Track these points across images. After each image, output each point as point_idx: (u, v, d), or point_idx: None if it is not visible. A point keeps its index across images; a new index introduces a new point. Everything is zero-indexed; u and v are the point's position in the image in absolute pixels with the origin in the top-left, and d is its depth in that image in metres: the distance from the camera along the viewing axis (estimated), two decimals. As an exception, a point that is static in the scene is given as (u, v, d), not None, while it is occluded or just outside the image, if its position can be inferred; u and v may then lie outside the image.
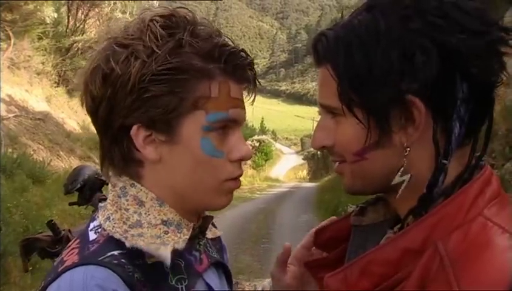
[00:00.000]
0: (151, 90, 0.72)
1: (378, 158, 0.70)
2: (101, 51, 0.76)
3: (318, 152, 29.78)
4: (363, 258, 0.67)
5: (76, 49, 15.29)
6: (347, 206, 0.92)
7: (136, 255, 0.73)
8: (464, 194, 0.65)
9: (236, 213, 11.44)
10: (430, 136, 0.66)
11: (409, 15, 0.65)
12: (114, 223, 0.75)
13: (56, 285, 0.69)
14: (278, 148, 59.42)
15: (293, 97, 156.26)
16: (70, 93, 14.84)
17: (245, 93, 0.82)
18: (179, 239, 0.76)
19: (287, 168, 47.01)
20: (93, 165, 2.52)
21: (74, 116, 13.98)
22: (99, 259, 0.70)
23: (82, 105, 0.79)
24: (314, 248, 0.93)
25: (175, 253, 0.74)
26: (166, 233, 0.76)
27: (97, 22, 15.86)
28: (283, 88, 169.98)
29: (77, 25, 15.48)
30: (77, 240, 0.77)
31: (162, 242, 0.74)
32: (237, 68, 0.77)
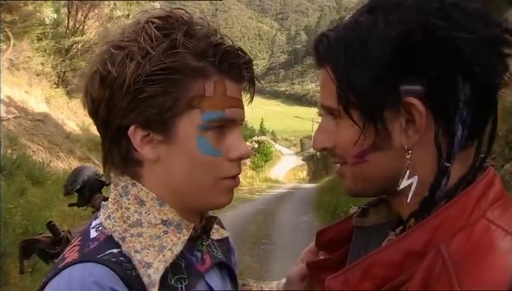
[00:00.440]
0: (146, 91, 0.73)
1: (379, 160, 0.70)
2: (99, 55, 0.77)
3: (318, 153, 29.83)
4: (365, 260, 0.66)
5: (75, 50, 15.29)
6: (350, 207, 0.92)
7: None
8: (467, 197, 0.64)
9: (235, 213, 11.44)
10: (432, 138, 0.65)
11: (411, 16, 0.64)
12: (115, 222, 0.76)
13: (55, 281, 0.71)
14: (278, 149, 59.47)
15: (293, 98, 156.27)
16: (69, 94, 14.84)
17: (243, 92, 0.82)
18: (178, 240, 0.77)
19: (286, 169, 47.06)
20: (93, 166, 2.52)
21: (73, 117, 13.97)
22: (98, 256, 0.72)
23: (84, 108, 0.80)
24: (321, 252, 0.93)
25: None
26: (166, 232, 0.77)
27: (97, 23, 15.85)
28: (283, 89, 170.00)
29: (77, 26, 15.47)
30: (79, 238, 0.79)
31: (160, 248, 0.75)
32: (233, 66, 0.77)
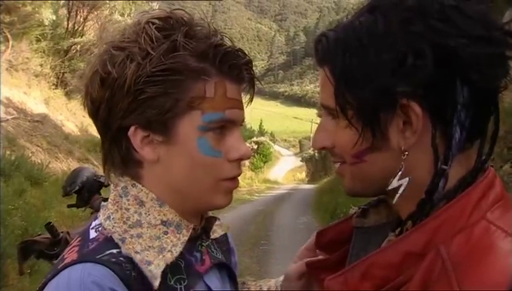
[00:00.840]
0: (147, 92, 0.73)
1: (376, 161, 0.70)
2: (99, 55, 0.77)
3: (317, 154, 29.86)
4: (364, 261, 0.66)
5: (74, 51, 15.28)
6: (349, 208, 0.92)
7: None
8: (467, 198, 0.64)
9: (234, 214, 11.43)
10: (430, 140, 0.65)
11: (411, 18, 0.64)
12: (115, 222, 0.77)
13: (55, 282, 0.71)
14: (277, 150, 59.56)
15: (292, 99, 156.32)
16: (68, 95, 14.83)
17: (243, 93, 0.82)
18: (178, 241, 0.78)
19: (285, 170, 47.15)
20: (92, 167, 2.52)
21: (72, 118, 13.96)
22: (97, 257, 0.72)
23: (84, 109, 0.80)
24: (319, 250, 0.93)
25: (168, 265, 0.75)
26: (166, 233, 0.77)
27: (96, 24, 15.85)
28: (282, 90, 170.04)
29: (76, 27, 15.46)
30: (79, 239, 0.79)
31: (160, 249, 0.75)
32: (233, 68, 0.78)
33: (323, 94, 0.74)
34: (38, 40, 13.95)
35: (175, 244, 0.77)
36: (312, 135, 0.79)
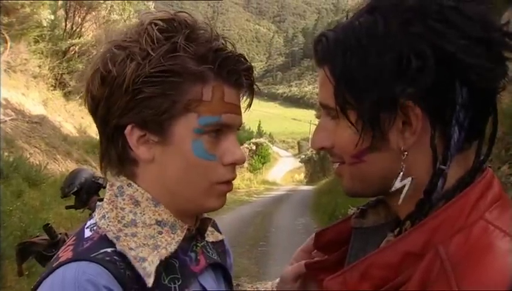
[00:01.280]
0: (145, 91, 0.74)
1: (376, 161, 0.70)
2: (101, 54, 0.78)
3: (315, 155, 29.86)
4: (363, 261, 0.66)
5: (72, 52, 15.25)
6: (347, 209, 0.92)
7: None
8: (466, 198, 0.64)
9: (233, 216, 11.43)
10: (428, 140, 0.66)
11: (410, 19, 0.64)
12: (109, 221, 0.77)
13: (49, 280, 0.71)
14: (275, 151, 59.47)
15: (290, 100, 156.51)
16: (66, 96, 14.80)
17: (242, 98, 0.82)
18: (172, 240, 0.78)
19: (284, 171, 47.11)
20: (90, 169, 2.52)
21: (70, 120, 13.93)
22: (92, 255, 0.72)
23: (84, 105, 0.81)
24: (315, 251, 0.93)
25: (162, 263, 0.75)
26: (160, 233, 0.78)
27: (94, 25, 15.84)
28: (280, 91, 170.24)
29: (74, 28, 15.45)
30: (74, 238, 0.79)
31: (154, 246, 0.76)
32: (232, 73, 0.78)
33: (322, 94, 0.74)
34: (36, 42, 13.93)
35: (169, 242, 0.77)
36: (310, 136, 0.79)
